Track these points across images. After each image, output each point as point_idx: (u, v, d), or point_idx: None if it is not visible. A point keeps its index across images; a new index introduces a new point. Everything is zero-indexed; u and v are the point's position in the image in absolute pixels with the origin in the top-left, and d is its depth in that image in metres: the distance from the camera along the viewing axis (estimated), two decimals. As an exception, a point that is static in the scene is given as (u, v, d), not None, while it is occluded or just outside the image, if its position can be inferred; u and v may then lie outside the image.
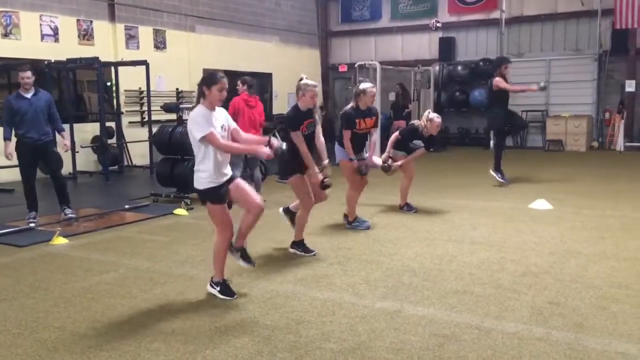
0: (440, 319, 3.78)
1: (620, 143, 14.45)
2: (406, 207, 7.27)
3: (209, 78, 4.09)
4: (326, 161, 5.30)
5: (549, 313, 3.85)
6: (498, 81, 8.72)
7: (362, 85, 6.17)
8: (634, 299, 4.08)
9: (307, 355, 3.27)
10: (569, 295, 4.17)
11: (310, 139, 5.21)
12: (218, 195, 4.13)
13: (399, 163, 7.05)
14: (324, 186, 5.27)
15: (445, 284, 4.46)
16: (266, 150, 4.13)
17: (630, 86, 14.67)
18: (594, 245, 5.55)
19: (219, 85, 4.04)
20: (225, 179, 4.16)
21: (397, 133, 7.26)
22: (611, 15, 14.30)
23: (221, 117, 4.15)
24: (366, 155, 6.30)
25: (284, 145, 4.57)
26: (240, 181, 4.30)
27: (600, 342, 3.39)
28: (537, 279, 4.56)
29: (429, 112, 7.22)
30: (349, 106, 6.22)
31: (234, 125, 4.26)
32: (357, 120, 6.05)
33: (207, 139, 3.97)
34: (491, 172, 9.11)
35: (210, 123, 4.00)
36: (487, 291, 4.29)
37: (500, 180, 8.99)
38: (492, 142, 9.79)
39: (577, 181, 9.58)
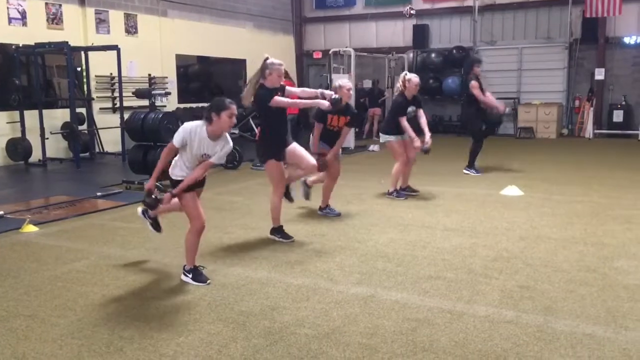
0: (413, 303, 3.83)
1: (589, 130, 14.73)
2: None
3: (218, 104, 4.06)
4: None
5: (519, 296, 3.92)
6: (474, 85, 8.69)
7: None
8: (601, 282, 4.18)
9: (281, 341, 3.29)
10: (539, 279, 4.26)
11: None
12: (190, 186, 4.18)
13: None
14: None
15: (419, 270, 4.51)
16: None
17: (599, 74, 14.94)
18: (563, 230, 5.66)
19: (229, 111, 4.04)
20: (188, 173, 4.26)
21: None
22: (582, 4, 14.51)
23: (212, 148, 4.12)
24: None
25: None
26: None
27: (569, 324, 3.48)
28: (507, 263, 4.64)
29: (405, 73, 7.20)
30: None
31: (222, 161, 4.29)
32: (329, 116, 6.02)
33: (168, 146, 4.15)
34: (464, 171, 9.08)
35: (189, 143, 4.06)
36: (459, 276, 4.35)
37: (476, 174, 8.97)
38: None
39: (548, 168, 9.74)
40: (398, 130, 7.15)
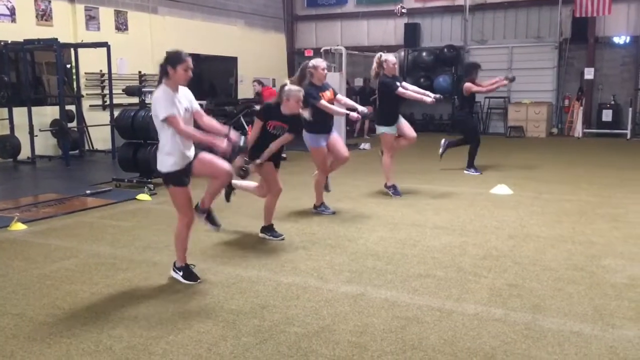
0: (402, 301, 3.84)
1: (578, 129, 14.83)
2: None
3: (174, 57, 3.97)
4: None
5: (508, 295, 3.95)
6: (469, 86, 8.69)
7: (313, 61, 6.14)
8: (589, 280, 4.22)
9: (271, 339, 3.29)
10: (527, 278, 4.28)
11: (269, 139, 5.15)
12: (180, 178, 4.08)
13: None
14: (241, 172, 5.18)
15: (408, 268, 4.53)
16: (223, 145, 4.01)
17: (589, 74, 15.04)
18: (551, 229, 5.70)
19: (184, 64, 3.95)
20: (187, 162, 4.11)
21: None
22: (572, 3, 14.59)
23: (185, 99, 4.07)
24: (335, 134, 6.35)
25: (242, 142, 4.48)
26: (202, 154, 4.24)
27: (557, 322, 3.50)
28: (497, 262, 4.67)
29: (380, 55, 7.14)
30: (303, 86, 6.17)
31: (197, 107, 4.19)
32: (320, 93, 6.04)
33: (169, 122, 3.90)
34: (465, 172, 9.03)
35: (174, 105, 3.93)
36: (448, 274, 4.37)
37: (476, 173, 8.95)
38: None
39: (537, 167, 9.80)
40: (392, 121, 7.15)
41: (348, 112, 6.31)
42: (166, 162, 4.05)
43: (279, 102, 5.12)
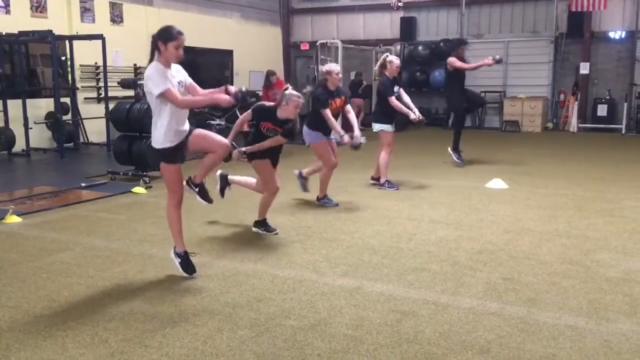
0: (398, 295, 3.85)
1: (574, 124, 14.86)
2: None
3: (166, 33, 3.92)
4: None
5: (503, 289, 3.96)
6: (452, 60, 8.69)
7: (327, 67, 6.25)
8: (584, 274, 4.24)
9: (267, 332, 3.30)
10: (522, 272, 4.30)
11: (264, 138, 5.14)
12: (171, 155, 4.06)
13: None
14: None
15: (404, 262, 4.54)
16: (225, 97, 4.02)
17: (584, 68, 15.06)
18: (547, 223, 5.72)
19: (176, 42, 3.90)
20: (180, 140, 4.07)
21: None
22: (568, -2, 14.59)
23: (178, 74, 4.06)
24: (333, 138, 6.36)
25: (244, 88, 4.34)
26: (197, 130, 4.21)
27: (551, 316, 3.52)
28: (492, 256, 4.69)
29: (387, 55, 7.23)
30: (317, 89, 6.29)
31: (191, 81, 4.16)
32: (330, 101, 6.11)
33: (165, 96, 3.85)
34: (449, 150, 9.23)
35: (167, 79, 3.89)
36: (444, 268, 4.39)
37: (456, 160, 9.11)
38: (450, 121, 9.85)
39: (532, 161, 9.82)
40: (391, 119, 7.19)
41: (343, 133, 6.12)
42: (159, 138, 4.03)
43: (277, 106, 5.11)
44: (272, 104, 5.21)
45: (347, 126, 6.43)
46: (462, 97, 9.03)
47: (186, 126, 4.14)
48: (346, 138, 6.16)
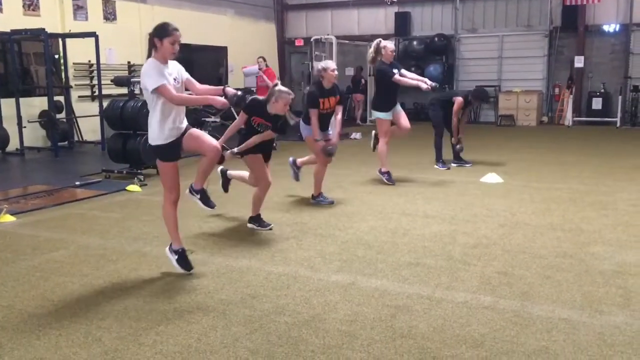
0: (392, 290, 3.85)
1: (568, 118, 14.87)
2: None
3: (161, 29, 3.94)
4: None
5: (497, 282, 3.97)
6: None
7: (323, 63, 6.17)
8: (577, 267, 4.25)
9: (261, 329, 3.29)
10: (517, 265, 4.31)
11: (255, 133, 5.12)
12: (167, 153, 4.06)
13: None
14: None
15: (399, 257, 4.54)
16: (220, 99, 4.03)
17: (579, 62, 15.08)
18: (541, 217, 5.73)
19: (172, 38, 3.92)
20: (175, 137, 4.06)
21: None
22: (562, -8, 14.59)
23: (174, 70, 4.05)
24: (330, 133, 6.30)
25: (239, 92, 4.31)
26: (193, 130, 4.21)
27: (545, 309, 3.53)
28: (486, 250, 4.69)
29: (380, 41, 7.16)
30: (313, 86, 6.25)
31: (187, 76, 4.16)
32: (321, 100, 6.01)
33: (159, 91, 3.86)
34: (435, 166, 8.66)
35: (163, 75, 3.89)
36: (438, 263, 4.39)
37: (442, 169, 8.56)
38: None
39: (527, 155, 9.84)
40: (388, 107, 7.17)
41: (320, 139, 6.05)
42: (153, 135, 4.03)
43: (267, 101, 5.09)
44: (264, 97, 5.18)
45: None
46: (438, 109, 8.68)
47: (183, 124, 4.13)
48: (321, 143, 6.07)
